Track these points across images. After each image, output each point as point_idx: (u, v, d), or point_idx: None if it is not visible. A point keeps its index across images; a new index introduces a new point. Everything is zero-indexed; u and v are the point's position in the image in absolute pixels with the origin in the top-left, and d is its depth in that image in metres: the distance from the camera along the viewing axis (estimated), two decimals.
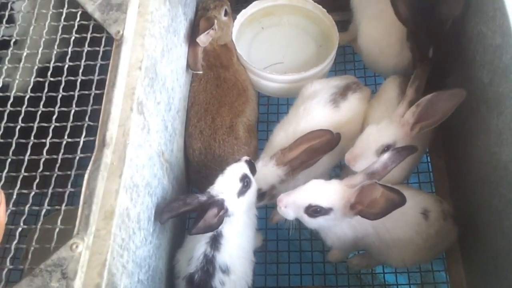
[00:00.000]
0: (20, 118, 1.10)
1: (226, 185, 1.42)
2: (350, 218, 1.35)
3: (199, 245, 1.42)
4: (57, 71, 1.17)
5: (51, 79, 1.15)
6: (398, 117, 1.47)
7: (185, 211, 1.35)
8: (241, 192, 1.43)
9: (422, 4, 1.61)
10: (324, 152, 1.50)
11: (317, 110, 1.62)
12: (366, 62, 1.97)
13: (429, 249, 1.49)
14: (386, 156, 1.33)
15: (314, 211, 1.33)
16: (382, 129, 1.48)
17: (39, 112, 1.11)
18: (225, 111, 1.74)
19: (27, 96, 1.13)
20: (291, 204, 1.35)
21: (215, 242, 1.42)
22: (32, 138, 1.07)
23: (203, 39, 1.68)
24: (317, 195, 1.33)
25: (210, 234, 1.43)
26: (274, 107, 2.03)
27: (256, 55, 2.01)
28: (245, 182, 1.44)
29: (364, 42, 1.86)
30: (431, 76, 1.56)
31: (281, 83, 1.87)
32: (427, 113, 1.42)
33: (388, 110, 1.60)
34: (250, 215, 1.53)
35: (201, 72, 1.73)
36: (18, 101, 1.13)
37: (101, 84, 1.12)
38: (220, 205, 1.37)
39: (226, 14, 1.82)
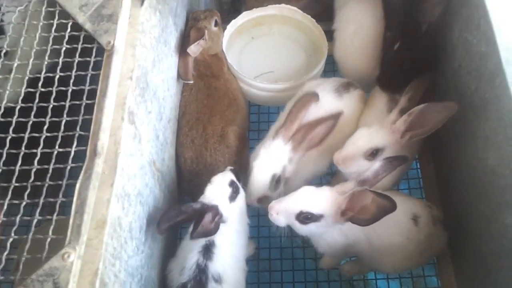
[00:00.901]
0: (11, 129, 1.10)
1: (216, 192, 1.45)
2: (341, 224, 1.36)
3: (191, 255, 1.42)
4: (48, 82, 1.17)
5: (42, 89, 1.15)
6: (389, 124, 1.50)
7: (182, 219, 1.36)
8: (232, 198, 1.47)
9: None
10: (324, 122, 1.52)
11: (321, 95, 1.64)
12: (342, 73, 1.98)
13: (420, 255, 1.51)
14: (377, 164, 1.35)
15: (305, 217, 1.34)
16: (373, 133, 1.50)
17: (30, 123, 1.11)
18: (216, 120, 1.75)
19: (18, 107, 1.13)
20: (283, 211, 1.36)
21: (207, 251, 1.42)
22: (23, 148, 1.07)
23: (194, 49, 1.69)
24: (308, 201, 1.34)
25: (202, 243, 1.43)
26: (265, 116, 2.04)
27: (247, 64, 2.02)
28: (234, 187, 1.48)
29: (338, 54, 1.91)
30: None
31: (271, 92, 1.89)
32: (419, 122, 1.44)
33: (377, 117, 1.62)
34: (242, 223, 1.55)
35: (192, 82, 1.74)
36: (9, 111, 1.13)
37: (92, 94, 1.13)
38: (215, 210, 1.40)
39: (216, 24, 1.84)
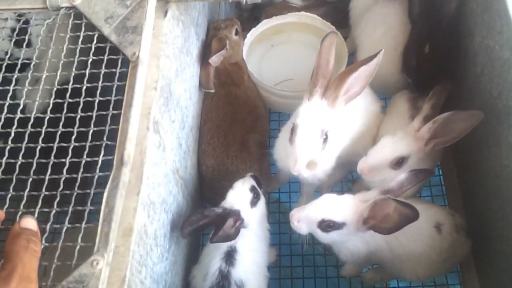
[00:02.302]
0: (40, 139, 1.13)
1: (238, 197, 1.47)
2: (363, 232, 1.36)
3: (214, 261, 1.44)
4: (75, 92, 1.20)
5: (70, 100, 1.18)
6: (413, 131, 1.49)
7: (204, 223, 1.38)
8: (253, 203, 1.49)
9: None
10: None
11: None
12: None
13: (443, 263, 1.49)
14: (403, 176, 1.34)
15: (327, 225, 1.34)
16: (397, 141, 1.48)
17: (59, 133, 1.14)
18: (237, 127, 1.77)
19: (47, 117, 1.17)
20: (304, 219, 1.36)
21: (230, 258, 1.44)
22: (52, 158, 1.10)
23: (215, 60, 1.72)
24: (330, 209, 1.34)
25: (224, 249, 1.45)
26: (285, 123, 2.05)
27: (267, 72, 2.05)
28: (255, 193, 1.50)
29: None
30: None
31: (292, 99, 1.90)
32: (443, 130, 1.43)
33: (400, 124, 1.61)
34: (263, 229, 1.56)
35: (213, 91, 1.77)
36: (38, 122, 1.16)
37: (118, 104, 1.16)
38: (236, 215, 1.42)
39: (236, 33, 1.86)
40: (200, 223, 1.38)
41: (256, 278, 1.48)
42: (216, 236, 1.34)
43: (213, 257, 1.45)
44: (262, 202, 1.54)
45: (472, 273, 1.68)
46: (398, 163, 1.47)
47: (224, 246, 1.46)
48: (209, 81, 1.75)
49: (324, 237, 1.37)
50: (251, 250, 1.49)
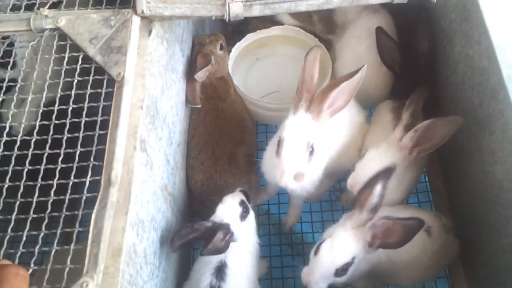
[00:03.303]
0: (27, 161, 1.13)
1: (227, 211, 1.48)
2: (373, 253, 1.37)
3: (204, 277, 1.44)
4: (61, 113, 1.20)
5: (56, 121, 1.19)
6: (395, 141, 1.51)
7: (194, 237, 1.38)
8: (243, 217, 1.50)
9: (402, 47, 1.74)
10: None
11: None
12: None
13: (435, 265, 1.52)
14: (378, 188, 1.35)
15: (343, 270, 1.33)
16: (382, 153, 1.50)
17: (46, 154, 1.14)
18: (224, 141, 1.78)
19: (33, 139, 1.17)
20: (320, 279, 1.34)
21: (220, 273, 1.45)
22: (39, 180, 1.10)
23: (201, 75, 1.73)
24: (336, 256, 1.32)
25: (215, 265, 1.46)
26: (273, 135, 2.06)
27: (253, 85, 2.07)
28: (244, 207, 1.51)
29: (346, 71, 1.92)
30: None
31: (278, 111, 1.92)
32: (425, 137, 1.46)
33: (384, 134, 1.63)
34: (253, 243, 1.56)
35: (199, 106, 1.78)
36: (25, 144, 1.16)
37: (104, 124, 1.16)
38: (226, 228, 1.43)
39: (221, 48, 1.88)
40: (190, 236, 1.39)
41: None
42: (206, 249, 1.35)
43: (203, 273, 1.45)
44: (251, 217, 1.55)
45: (460, 277, 1.70)
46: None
47: (214, 262, 1.46)
48: (195, 96, 1.76)
49: (343, 279, 1.36)
50: (242, 264, 1.50)
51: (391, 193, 1.52)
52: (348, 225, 1.35)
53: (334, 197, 1.94)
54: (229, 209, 1.49)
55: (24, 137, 1.18)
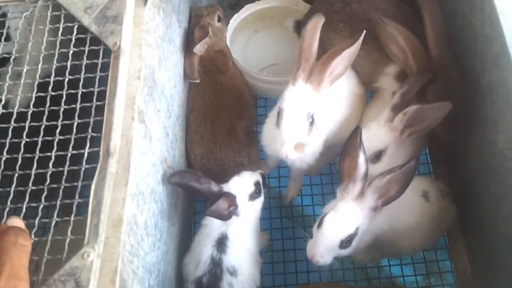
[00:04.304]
0: (24, 133, 1.12)
1: (240, 185, 1.49)
2: (378, 215, 1.35)
3: (205, 249, 1.45)
4: (58, 85, 1.19)
5: (53, 93, 1.17)
6: (384, 122, 1.48)
7: (193, 187, 1.40)
8: (252, 197, 1.50)
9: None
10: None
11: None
12: None
13: (434, 230, 1.53)
14: (361, 157, 1.31)
15: (347, 241, 1.32)
16: (372, 136, 1.47)
17: (43, 127, 1.12)
18: (224, 115, 1.76)
19: (30, 112, 1.15)
20: (325, 252, 1.33)
21: (221, 245, 1.45)
22: (37, 152, 1.09)
23: (199, 48, 1.70)
24: (340, 228, 1.31)
25: (216, 237, 1.46)
26: (272, 109, 2.05)
27: (251, 58, 2.04)
28: (257, 188, 1.51)
29: None
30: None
31: (277, 84, 1.89)
32: (415, 120, 1.43)
33: (384, 108, 1.61)
34: (254, 224, 1.57)
35: (198, 81, 1.75)
36: (21, 116, 1.14)
37: (101, 95, 1.14)
38: (232, 200, 1.44)
39: (219, 20, 1.84)
40: (190, 183, 1.40)
41: (248, 264, 1.49)
42: (209, 210, 1.37)
43: (204, 245, 1.45)
44: (260, 201, 1.55)
45: (461, 248, 1.71)
46: (377, 156, 1.48)
47: (215, 234, 1.46)
48: (194, 70, 1.73)
49: (348, 251, 1.36)
50: (243, 237, 1.50)
51: None
52: (347, 197, 1.33)
53: (334, 170, 1.93)
54: (242, 184, 1.50)
55: (21, 109, 1.16)
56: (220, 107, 1.77)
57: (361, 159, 1.30)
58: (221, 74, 1.84)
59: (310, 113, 1.39)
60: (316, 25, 1.43)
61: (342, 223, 1.31)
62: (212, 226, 1.49)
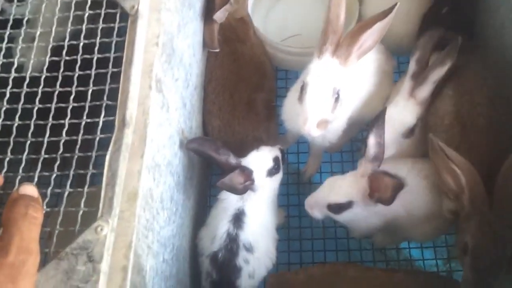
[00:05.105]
0: (37, 99, 1.07)
1: (258, 160, 1.44)
2: (373, 206, 1.33)
3: (222, 224, 1.41)
4: (72, 50, 1.13)
5: (67, 58, 1.11)
6: (407, 95, 1.42)
7: (211, 156, 1.36)
8: (270, 173, 1.45)
9: None
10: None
11: None
12: None
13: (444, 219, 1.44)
14: (371, 138, 1.29)
15: (337, 208, 1.33)
16: (401, 112, 1.42)
17: (56, 93, 1.07)
18: (243, 86, 1.70)
19: (43, 76, 1.10)
20: (315, 206, 1.36)
21: (238, 221, 1.42)
22: (50, 119, 1.04)
23: (220, 15, 1.62)
24: (333, 192, 1.33)
25: (232, 212, 1.43)
26: (293, 82, 1.97)
27: (273, 27, 1.96)
28: (276, 164, 1.47)
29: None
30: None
31: (299, 56, 1.82)
32: None
33: None
34: (272, 196, 1.53)
35: (218, 50, 1.68)
36: (34, 81, 1.09)
37: (117, 61, 1.08)
38: (248, 174, 1.39)
39: None
40: (208, 151, 1.36)
41: (264, 240, 1.46)
42: (221, 182, 1.32)
43: (220, 220, 1.42)
44: (278, 178, 1.51)
45: None
46: (412, 132, 1.43)
47: (232, 209, 1.43)
48: (214, 39, 1.66)
49: (339, 218, 1.37)
50: (259, 214, 1.47)
51: (416, 148, 1.45)
52: (359, 172, 1.32)
53: (355, 148, 1.87)
54: (260, 159, 1.46)
55: (34, 74, 1.11)
56: (240, 78, 1.70)
57: (371, 142, 1.29)
58: (242, 43, 1.77)
59: (336, 89, 1.32)
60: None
61: (336, 189, 1.33)
62: (229, 201, 1.45)
